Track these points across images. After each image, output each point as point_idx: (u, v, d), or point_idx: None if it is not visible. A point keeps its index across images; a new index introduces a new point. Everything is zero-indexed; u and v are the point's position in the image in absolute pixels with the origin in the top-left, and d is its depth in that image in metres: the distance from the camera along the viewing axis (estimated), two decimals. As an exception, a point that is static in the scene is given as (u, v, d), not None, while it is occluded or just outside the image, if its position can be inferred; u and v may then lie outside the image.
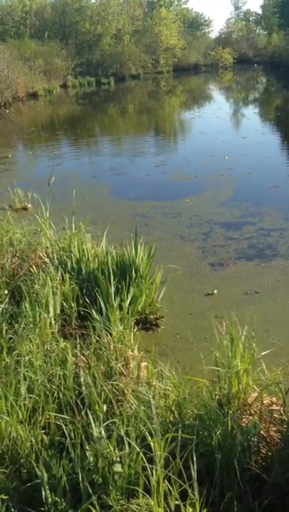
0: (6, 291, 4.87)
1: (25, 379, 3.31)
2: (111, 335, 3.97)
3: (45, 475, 2.61)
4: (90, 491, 2.54)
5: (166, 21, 57.30)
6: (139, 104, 31.41)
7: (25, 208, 9.09)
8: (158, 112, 26.57)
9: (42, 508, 2.57)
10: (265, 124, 20.19)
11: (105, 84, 45.48)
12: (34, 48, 42.30)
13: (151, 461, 2.60)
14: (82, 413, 3.04)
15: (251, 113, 23.88)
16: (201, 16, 73.29)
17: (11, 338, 3.91)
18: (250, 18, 75.78)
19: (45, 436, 3.00)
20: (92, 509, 2.48)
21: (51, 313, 4.41)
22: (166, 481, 2.55)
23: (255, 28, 75.10)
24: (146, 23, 57.24)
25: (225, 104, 28.30)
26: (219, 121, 20.22)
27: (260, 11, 73.15)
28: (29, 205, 9.05)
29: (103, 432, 2.80)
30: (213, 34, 74.66)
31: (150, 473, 2.55)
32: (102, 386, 3.26)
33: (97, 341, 3.88)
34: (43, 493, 2.58)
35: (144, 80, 49.11)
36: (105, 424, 2.88)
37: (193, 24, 70.56)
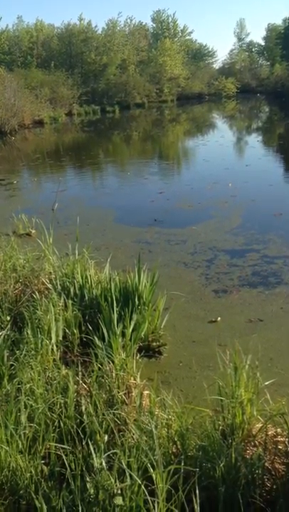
0: (9, 318, 4.85)
1: (25, 407, 3.27)
2: (113, 362, 3.93)
3: (45, 507, 2.55)
4: (90, 524, 2.48)
5: (171, 52, 58.49)
6: (144, 131, 31.83)
7: (28, 234, 9.13)
8: (162, 140, 26.89)
9: None
10: (269, 152, 20.39)
11: (110, 112, 46.23)
12: (41, 77, 43.13)
13: (153, 493, 2.54)
14: (83, 443, 2.99)
15: (254, 141, 24.13)
16: (204, 47, 74.45)
17: (12, 365, 3.88)
18: (253, 49, 77.22)
19: (45, 467, 2.94)
20: None
21: (53, 340, 4.37)
22: (168, 515, 2.49)
23: (258, 58, 76.46)
24: (150, 54, 58.47)
25: (228, 132, 28.62)
26: (223, 149, 20.43)
27: (262, 43, 74.63)
28: (33, 231, 9.09)
29: (104, 463, 2.75)
30: (217, 64, 75.83)
31: (152, 506, 2.49)
32: (103, 415, 3.22)
33: (99, 369, 3.83)
34: (42, 526, 2.52)
35: (149, 108, 49.88)
36: (106, 454, 2.82)
37: (197, 55, 71.82)
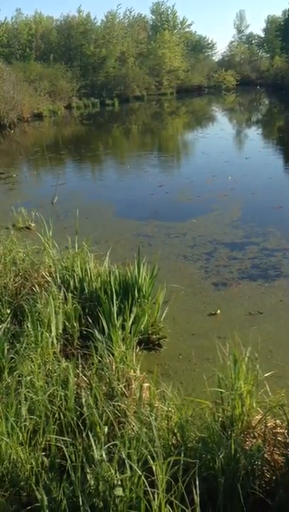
0: (9, 311, 4.86)
1: (26, 400, 3.28)
2: (113, 355, 3.94)
3: (45, 498, 2.57)
4: (91, 515, 2.49)
5: (170, 44, 58.17)
6: (143, 124, 31.72)
7: (28, 227, 9.12)
8: (161, 133, 26.80)
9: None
10: (268, 145, 20.32)
11: (109, 105, 46.05)
12: (39, 70, 42.88)
13: (152, 484, 2.55)
14: (84, 435, 3.00)
15: (254, 134, 24.06)
16: (204, 39, 73.94)
17: (12, 358, 3.89)
18: (253, 42, 76.76)
19: (45, 459, 2.96)
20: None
21: (53, 333, 4.38)
22: (168, 506, 2.50)
23: (257, 50, 76.05)
24: (150, 46, 58.14)
25: (228, 125, 28.53)
26: (222, 142, 20.36)
27: (262, 35, 74.24)
28: (32, 225, 9.09)
29: (104, 455, 2.76)
30: (217, 57, 75.49)
31: (152, 497, 2.50)
32: (103, 407, 3.23)
33: (99, 361, 3.84)
34: (43, 517, 2.54)
35: (148, 101, 49.66)
36: (106, 446, 2.84)
37: (197, 47, 71.34)
